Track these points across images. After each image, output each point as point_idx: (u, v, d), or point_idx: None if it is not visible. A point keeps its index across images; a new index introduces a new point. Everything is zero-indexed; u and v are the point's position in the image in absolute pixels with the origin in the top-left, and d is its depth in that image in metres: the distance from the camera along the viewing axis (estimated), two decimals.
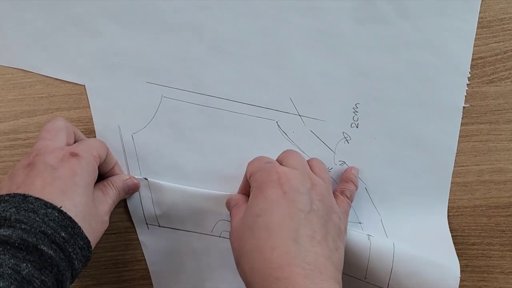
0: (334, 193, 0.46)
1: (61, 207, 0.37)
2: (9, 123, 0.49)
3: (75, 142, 0.45)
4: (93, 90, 0.49)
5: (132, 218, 0.49)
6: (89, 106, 0.49)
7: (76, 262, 0.37)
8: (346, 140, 0.49)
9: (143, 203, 0.48)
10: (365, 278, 0.46)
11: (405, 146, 0.49)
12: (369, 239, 0.45)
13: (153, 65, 0.49)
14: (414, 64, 0.49)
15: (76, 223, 0.38)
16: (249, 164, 0.45)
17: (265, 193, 0.40)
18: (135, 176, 0.48)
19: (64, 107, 0.49)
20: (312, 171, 0.44)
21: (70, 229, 0.37)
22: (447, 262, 0.45)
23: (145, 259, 0.49)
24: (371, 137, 0.49)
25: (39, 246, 0.35)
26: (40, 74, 0.49)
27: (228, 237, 0.44)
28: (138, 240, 0.49)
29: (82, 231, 0.38)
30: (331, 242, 0.39)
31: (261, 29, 0.49)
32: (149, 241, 0.49)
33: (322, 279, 0.35)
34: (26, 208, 0.36)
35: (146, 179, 0.48)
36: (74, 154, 0.40)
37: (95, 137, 0.49)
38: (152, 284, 0.50)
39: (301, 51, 0.49)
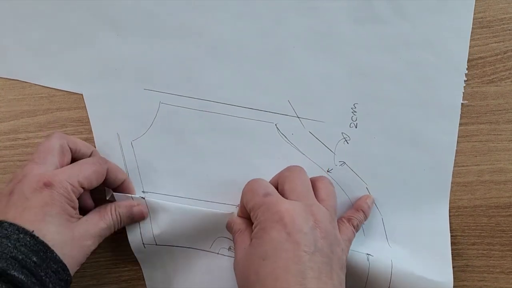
0: (340, 219, 0.46)
1: (33, 231, 0.38)
2: (9, 123, 0.49)
3: (73, 160, 0.45)
4: (91, 98, 0.49)
5: (128, 237, 0.48)
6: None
7: (50, 285, 0.38)
8: (346, 140, 0.49)
9: (141, 224, 0.48)
10: None
11: (405, 145, 0.49)
12: (368, 259, 0.46)
13: (150, 71, 0.49)
14: (412, 63, 0.48)
15: (48, 247, 0.38)
16: (244, 193, 0.44)
17: (269, 234, 0.40)
18: (135, 195, 0.47)
19: (64, 107, 0.49)
20: (317, 195, 0.44)
21: (42, 254, 0.38)
22: (440, 276, 0.46)
23: None
24: (370, 136, 0.49)
25: (9, 271, 0.36)
26: None
27: (227, 255, 0.45)
28: None
29: (56, 255, 0.39)
30: (336, 279, 0.39)
31: (258, 31, 0.48)
32: (146, 258, 0.49)
33: None
34: (0, 234, 0.38)
35: (144, 198, 0.47)
36: (48, 184, 0.40)
37: (95, 141, 0.49)
38: None
39: (299, 52, 0.49)
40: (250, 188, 0.44)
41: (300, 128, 0.49)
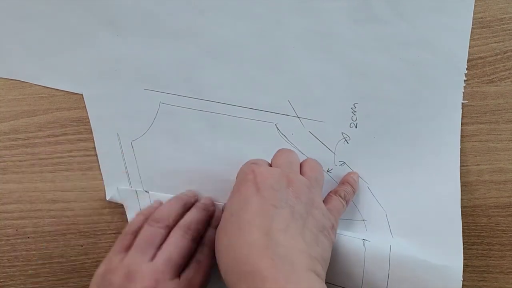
0: (328, 194, 0.46)
1: None
2: (9, 123, 0.49)
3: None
4: (91, 98, 0.49)
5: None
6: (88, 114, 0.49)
7: None
8: (346, 140, 0.49)
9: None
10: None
11: (405, 144, 0.49)
12: (364, 244, 0.45)
13: (150, 71, 0.49)
14: (412, 63, 0.48)
15: None
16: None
17: (239, 191, 0.40)
18: (137, 188, 0.48)
19: (64, 107, 0.49)
20: (302, 170, 0.44)
21: None
22: (449, 262, 0.45)
23: None
24: (370, 136, 0.49)
25: None
26: None
27: None
28: None
29: None
30: (308, 235, 0.38)
31: (258, 32, 0.48)
32: None
33: (293, 270, 0.34)
34: None
35: (147, 192, 0.48)
36: (130, 279, 0.40)
37: (95, 141, 0.49)
38: None
39: (299, 52, 0.49)
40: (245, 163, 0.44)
41: (300, 128, 0.49)
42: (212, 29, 0.49)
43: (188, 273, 0.42)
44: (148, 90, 0.49)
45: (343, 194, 0.46)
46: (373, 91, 0.49)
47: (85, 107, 0.49)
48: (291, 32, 0.49)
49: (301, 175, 0.42)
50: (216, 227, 0.42)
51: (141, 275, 0.39)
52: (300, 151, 0.49)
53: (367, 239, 0.46)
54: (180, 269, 0.41)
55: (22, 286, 0.49)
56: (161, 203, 0.46)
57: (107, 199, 0.48)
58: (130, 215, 0.49)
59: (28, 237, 0.49)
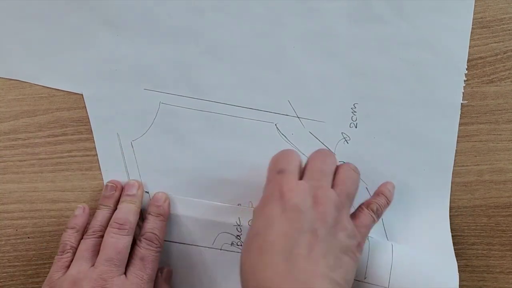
0: (359, 206, 0.44)
1: None
2: (9, 123, 0.49)
3: None
4: (91, 98, 0.49)
5: None
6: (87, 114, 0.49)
7: None
8: (346, 140, 0.49)
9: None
10: (364, 278, 0.46)
11: (405, 145, 0.49)
12: (368, 239, 0.45)
13: (150, 71, 0.49)
14: (412, 63, 0.48)
15: None
16: (269, 162, 0.43)
17: (266, 210, 0.39)
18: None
19: (64, 107, 0.49)
20: (335, 179, 0.42)
21: None
22: (445, 264, 0.45)
23: None
24: (370, 136, 0.49)
25: None
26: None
27: (229, 250, 0.45)
28: None
29: None
30: (332, 259, 0.37)
31: (257, 32, 0.48)
32: None
33: None
34: None
35: (147, 192, 0.48)
36: (77, 285, 0.42)
37: (95, 141, 0.49)
38: None
39: (298, 53, 0.49)
40: (273, 160, 0.43)
41: (300, 128, 0.49)
42: (212, 29, 0.49)
43: (133, 269, 0.44)
44: (148, 90, 0.49)
45: (375, 208, 0.44)
46: (373, 91, 0.49)
47: (85, 107, 0.49)
48: (291, 32, 0.49)
49: (331, 190, 0.40)
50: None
51: (88, 279, 0.42)
52: (300, 151, 0.49)
53: (370, 235, 0.46)
54: (124, 265, 0.44)
55: (22, 286, 0.49)
56: (84, 209, 0.47)
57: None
58: None
59: (28, 237, 0.49)
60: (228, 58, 0.49)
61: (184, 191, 0.49)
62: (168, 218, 0.48)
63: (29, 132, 0.49)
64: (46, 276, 0.43)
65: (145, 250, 0.45)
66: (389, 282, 0.45)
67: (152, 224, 0.46)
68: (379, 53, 0.48)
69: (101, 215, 0.46)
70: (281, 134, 0.49)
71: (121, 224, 0.45)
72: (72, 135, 0.49)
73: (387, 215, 0.48)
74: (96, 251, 0.44)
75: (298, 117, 0.49)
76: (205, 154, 0.49)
